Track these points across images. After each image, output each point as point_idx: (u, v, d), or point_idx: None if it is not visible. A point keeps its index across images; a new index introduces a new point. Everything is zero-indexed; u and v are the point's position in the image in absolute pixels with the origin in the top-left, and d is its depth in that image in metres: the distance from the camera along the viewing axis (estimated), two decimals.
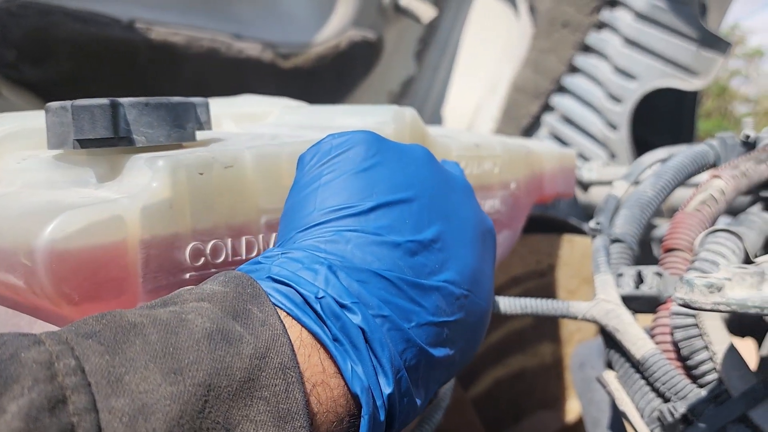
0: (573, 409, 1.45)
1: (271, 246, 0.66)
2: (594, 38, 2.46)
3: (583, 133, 2.50)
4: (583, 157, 2.49)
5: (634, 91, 2.30)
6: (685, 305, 0.59)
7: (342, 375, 0.47)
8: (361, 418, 0.47)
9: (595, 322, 0.79)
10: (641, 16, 2.25)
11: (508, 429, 1.47)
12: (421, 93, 3.05)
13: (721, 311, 0.61)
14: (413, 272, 0.53)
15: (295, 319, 0.47)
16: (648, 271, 0.80)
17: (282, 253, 0.52)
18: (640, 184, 0.97)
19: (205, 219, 0.60)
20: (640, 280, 0.81)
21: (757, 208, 1.01)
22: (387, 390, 0.48)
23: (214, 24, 2.30)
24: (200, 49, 2.25)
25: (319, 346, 0.47)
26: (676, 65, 2.22)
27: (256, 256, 0.65)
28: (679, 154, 1.01)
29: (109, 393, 0.35)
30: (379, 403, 0.48)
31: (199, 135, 0.68)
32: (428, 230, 0.56)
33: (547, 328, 1.47)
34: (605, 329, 0.78)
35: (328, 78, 2.67)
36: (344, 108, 0.86)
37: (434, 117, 3.04)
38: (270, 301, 0.47)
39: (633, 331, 0.75)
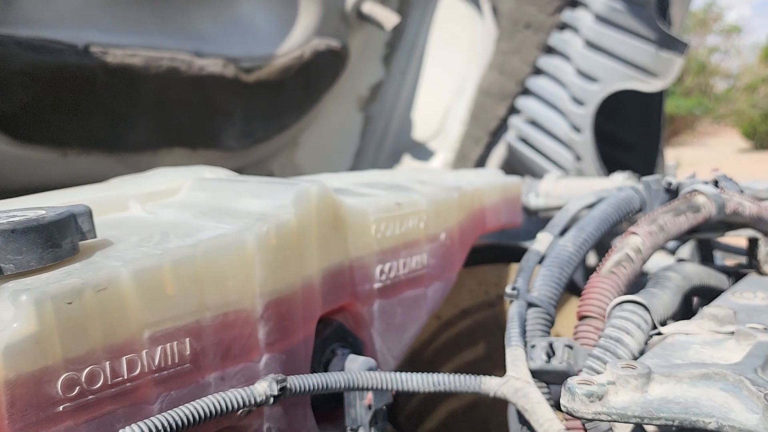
0: None
1: (156, 361, 0.65)
2: (557, 39, 2.44)
3: (548, 136, 2.49)
4: (549, 159, 2.48)
5: (596, 94, 2.28)
6: (568, 413, 0.58)
7: None
8: None
9: (505, 400, 0.78)
10: (600, 18, 2.23)
11: None
12: (390, 97, 3.02)
13: (602, 420, 0.60)
14: None
15: None
16: (559, 343, 0.80)
17: None
18: (561, 238, 0.96)
19: (78, 347, 0.59)
20: (552, 351, 0.80)
21: (688, 249, 1.00)
22: None
23: (173, 42, 2.27)
24: (160, 69, 2.22)
25: None
26: (636, 67, 2.20)
27: (140, 372, 0.64)
28: (604, 201, 1.00)
29: None
30: None
31: (83, 246, 0.67)
32: None
33: (500, 358, 1.46)
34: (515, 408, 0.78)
35: (294, 89, 2.65)
36: (251, 188, 0.85)
37: (404, 121, 3.02)
38: None
39: (541, 411, 0.75)
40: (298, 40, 2.63)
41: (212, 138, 2.50)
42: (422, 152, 2.88)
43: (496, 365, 1.49)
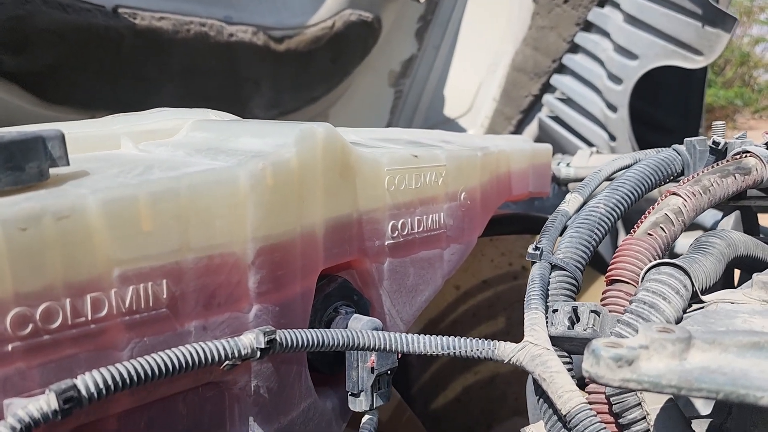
0: None
1: (127, 303, 0.58)
2: (596, 14, 2.33)
3: (583, 114, 2.39)
4: (583, 139, 2.38)
5: (634, 71, 2.16)
6: (591, 380, 0.50)
7: None
8: None
9: (521, 367, 0.70)
10: None
11: None
12: (422, 72, 2.94)
13: (631, 389, 0.52)
14: None
15: None
16: (584, 308, 0.71)
17: None
18: (593, 199, 0.87)
19: (33, 280, 0.52)
20: (576, 317, 0.71)
21: (730, 221, 0.91)
22: None
23: (203, 8, 2.22)
24: (189, 34, 2.16)
25: None
26: (679, 43, 2.08)
27: (108, 314, 0.57)
28: (641, 162, 0.91)
29: None
30: None
31: (54, 172, 0.60)
32: None
33: (520, 333, 1.38)
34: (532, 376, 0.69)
35: (324, 60, 2.58)
36: (253, 128, 0.78)
37: (435, 97, 2.94)
38: None
39: (560, 382, 0.66)
40: (330, 10, 2.56)
41: (239, 107, 2.45)
42: (452, 129, 2.79)
43: (515, 340, 1.41)
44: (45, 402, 0.50)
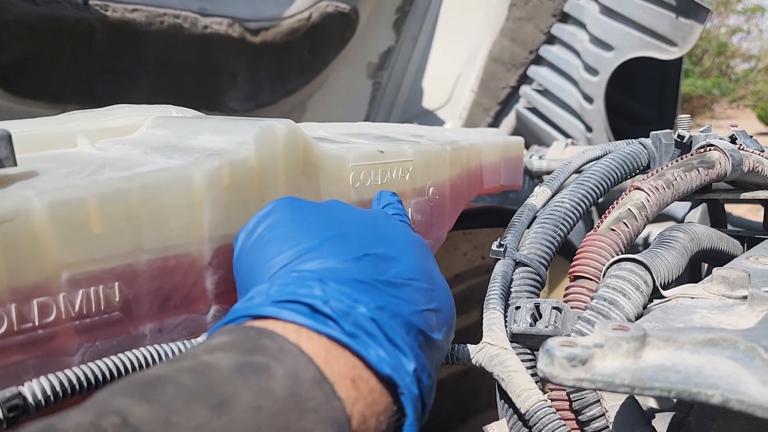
0: None
1: (77, 307, 0.57)
2: (572, 5, 2.33)
3: (560, 105, 2.39)
4: (560, 130, 2.38)
5: (610, 62, 2.17)
6: (545, 379, 0.49)
7: (370, 363, 0.50)
8: (401, 395, 0.51)
9: (481, 368, 0.69)
10: None
11: (455, 430, 1.39)
12: (400, 64, 2.93)
13: (585, 389, 0.51)
14: (382, 276, 0.57)
15: (312, 330, 0.49)
16: (546, 305, 0.70)
17: (270, 286, 0.54)
18: (558, 193, 0.87)
19: None
20: (538, 314, 0.71)
21: (696, 214, 0.91)
22: (411, 366, 0.52)
23: (177, 1, 2.20)
24: (162, 26, 2.14)
25: (341, 345, 0.49)
26: (654, 34, 2.08)
27: (56, 319, 0.56)
28: (607, 156, 0.90)
29: None
30: (408, 379, 0.51)
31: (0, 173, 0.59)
32: (374, 246, 0.60)
33: None
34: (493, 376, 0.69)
35: (301, 52, 2.56)
36: (213, 125, 0.76)
37: (414, 89, 2.92)
38: (277, 332, 0.48)
39: (518, 381, 0.66)
40: (307, 1, 2.54)
41: (215, 100, 2.43)
42: (431, 121, 2.78)
43: None
44: None
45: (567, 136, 2.34)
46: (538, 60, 2.46)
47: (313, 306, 0.50)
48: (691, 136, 0.88)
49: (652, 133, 0.92)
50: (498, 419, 0.75)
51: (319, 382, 0.45)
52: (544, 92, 2.44)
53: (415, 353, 0.53)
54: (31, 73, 1.89)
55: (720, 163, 0.84)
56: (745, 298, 0.62)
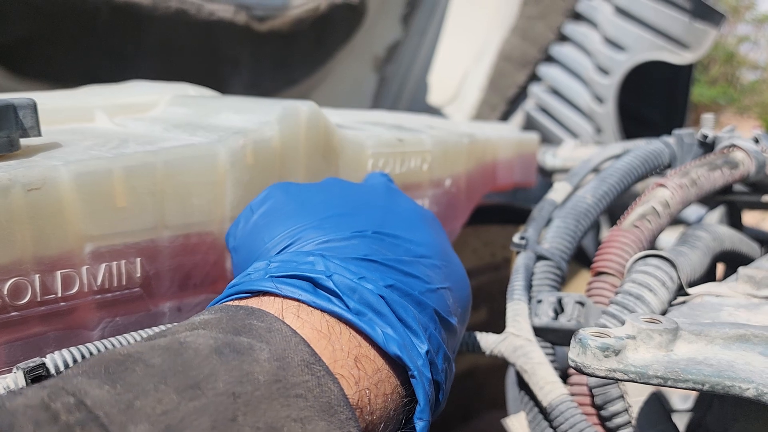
0: None
1: (99, 281, 0.56)
2: (585, 5, 2.32)
3: (569, 106, 2.38)
4: (568, 130, 2.37)
5: (622, 64, 2.16)
6: (577, 369, 0.48)
7: (376, 342, 0.47)
8: (411, 379, 0.48)
9: (502, 358, 0.69)
10: None
11: (458, 429, 1.38)
12: (407, 59, 2.91)
13: (618, 380, 0.51)
14: (391, 253, 0.54)
15: (313, 306, 0.47)
16: (569, 299, 0.70)
17: (269, 262, 0.51)
18: (580, 189, 0.86)
19: (1, 254, 0.50)
20: (560, 308, 0.70)
21: (714, 216, 0.90)
22: (423, 347, 0.49)
23: None
24: (167, 11, 2.12)
25: (345, 322, 0.47)
26: (667, 37, 2.07)
27: (78, 292, 0.55)
28: (630, 153, 0.89)
29: (125, 421, 0.32)
30: (420, 362, 0.48)
31: (25, 143, 0.58)
32: (381, 223, 0.58)
33: (502, 324, 1.37)
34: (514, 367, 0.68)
35: (307, 42, 2.55)
36: (234, 104, 0.75)
37: (420, 84, 2.91)
38: (269, 311, 0.45)
39: (542, 373, 0.65)
40: None
41: (218, 87, 2.40)
42: (437, 117, 2.76)
43: (497, 332, 1.40)
44: (12, 380, 0.48)
45: (575, 136, 2.33)
46: (549, 59, 2.44)
47: (315, 281, 0.48)
48: (714, 136, 0.87)
49: (674, 131, 0.91)
50: (507, 414, 0.74)
51: (309, 365, 0.41)
52: (554, 92, 2.43)
53: (429, 334, 0.50)
54: (34, 53, 1.88)
55: (744, 164, 0.83)
56: None
